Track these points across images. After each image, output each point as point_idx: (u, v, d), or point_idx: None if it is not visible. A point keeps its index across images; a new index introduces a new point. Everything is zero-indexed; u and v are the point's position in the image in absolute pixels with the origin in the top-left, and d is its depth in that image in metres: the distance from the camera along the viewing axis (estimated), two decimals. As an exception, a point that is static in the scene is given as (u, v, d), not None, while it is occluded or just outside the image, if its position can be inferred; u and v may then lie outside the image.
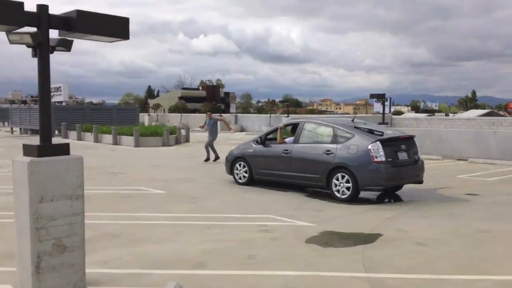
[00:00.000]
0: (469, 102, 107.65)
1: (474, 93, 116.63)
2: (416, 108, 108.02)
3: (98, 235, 6.51)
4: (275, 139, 10.94)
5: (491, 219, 7.65)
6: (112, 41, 5.16)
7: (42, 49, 4.33)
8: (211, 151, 15.96)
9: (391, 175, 8.85)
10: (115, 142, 23.19)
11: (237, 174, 11.01)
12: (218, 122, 17.32)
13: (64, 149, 4.42)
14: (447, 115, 54.51)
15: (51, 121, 4.49)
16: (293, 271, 5.09)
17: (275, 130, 10.95)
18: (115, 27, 4.83)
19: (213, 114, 18.19)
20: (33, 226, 4.00)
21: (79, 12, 4.52)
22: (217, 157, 15.69)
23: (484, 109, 77.48)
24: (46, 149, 4.24)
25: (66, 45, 4.72)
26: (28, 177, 4.00)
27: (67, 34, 4.67)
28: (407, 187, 9.96)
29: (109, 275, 4.95)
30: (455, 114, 55.83)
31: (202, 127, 18.22)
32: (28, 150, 4.26)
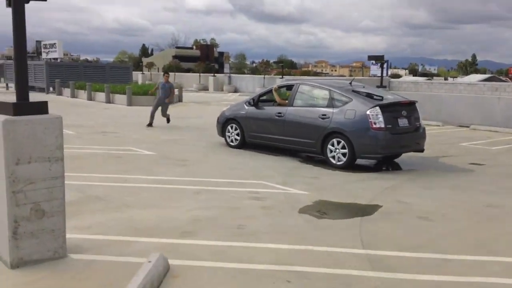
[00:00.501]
0: (469, 67, 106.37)
1: (474, 57, 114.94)
2: (414, 72, 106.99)
3: (84, 198, 6.20)
4: (268, 100, 10.43)
5: (499, 193, 7.22)
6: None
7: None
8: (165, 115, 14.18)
9: (390, 143, 8.40)
10: (108, 101, 22.72)
11: (229, 136, 10.54)
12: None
13: (42, 108, 4.08)
14: (446, 79, 53.69)
15: (27, 77, 4.15)
16: (285, 245, 4.71)
17: (269, 92, 10.42)
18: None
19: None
20: (9, 189, 3.79)
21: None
22: (150, 123, 13.84)
23: (485, 73, 76.63)
24: (23, 108, 3.94)
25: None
26: (3, 137, 3.74)
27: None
28: (407, 154, 9.53)
29: (92, 241, 4.64)
30: (454, 79, 55.03)
31: (152, 93, 15.76)
32: (3, 108, 3.95)
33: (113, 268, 4.03)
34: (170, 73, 47.15)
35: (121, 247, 4.52)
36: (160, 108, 14.17)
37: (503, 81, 40.89)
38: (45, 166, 3.97)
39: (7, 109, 3.89)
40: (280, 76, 34.28)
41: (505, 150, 11.55)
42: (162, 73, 16.11)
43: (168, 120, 14.27)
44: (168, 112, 14.31)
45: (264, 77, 34.39)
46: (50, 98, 25.60)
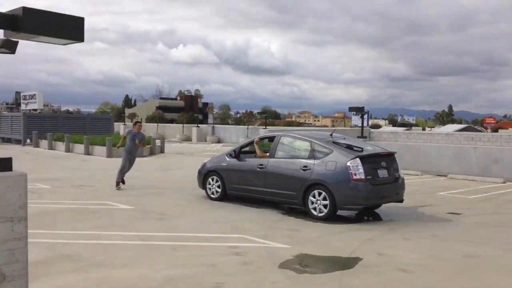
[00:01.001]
0: (446, 117, 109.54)
1: (450, 107, 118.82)
2: (393, 122, 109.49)
3: (54, 257, 5.92)
4: (250, 152, 10.45)
5: (477, 242, 7.24)
6: (66, 43, 4.60)
7: (-17, 51, 3.80)
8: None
9: (370, 194, 8.42)
10: (87, 152, 22.45)
11: (210, 189, 10.44)
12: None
13: (5, 165, 3.90)
14: (424, 129, 55.07)
15: None
16: (265, 302, 4.56)
17: (251, 143, 10.46)
18: (67, 28, 4.25)
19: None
20: None
21: (25, 10, 3.95)
22: (119, 183, 11.96)
23: (461, 123, 78.84)
24: None
25: (10, 47, 4.15)
26: (-40, 195, 3.54)
27: (13, 34, 4.12)
28: (387, 205, 9.54)
29: (60, 305, 4.36)
30: (432, 129, 56.42)
31: (120, 145, 12.89)
32: None
33: (82, 332, 3.82)
34: (153, 124, 46.94)
35: (91, 310, 4.30)
36: (129, 161, 12.11)
37: (479, 130, 42.06)
38: (7, 226, 3.76)
39: None
40: (264, 127, 34.67)
41: (482, 199, 11.69)
42: (133, 122, 13.62)
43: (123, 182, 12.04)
44: (155, 162, 13.97)
45: (247, 128, 34.74)
46: (27, 150, 25.29)
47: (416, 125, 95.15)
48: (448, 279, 5.45)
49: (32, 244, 4.43)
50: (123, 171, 12.07)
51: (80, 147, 23.19)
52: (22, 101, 37.75)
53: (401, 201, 9.21)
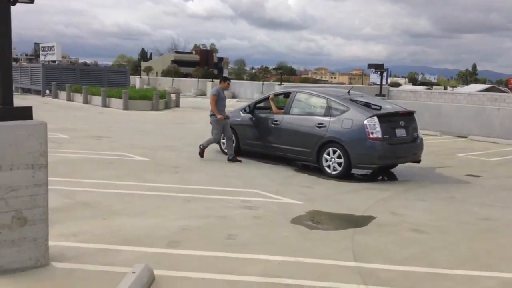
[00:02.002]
0: (469, 76, 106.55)
1: (474, 66, 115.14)
2: (413, 80, 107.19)
3: (72, 204, 6.07)
4: (265, 108, 10.32)
5: (495, 205, 7.11)
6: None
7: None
8: None
9: (387, 154, 8.29)
10: (104, 104, 22.59)
11: (223, 143, 10.42)
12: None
13: (26, 113, 3.98)
14: (445, 88, 53.82)
15: (11, 80, 4.06)
16: (276, 256, 4.60)
17: (265, 99, 10.31)
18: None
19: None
20: None
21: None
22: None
23: (485, 83, 76.81)
24: (6, 113, 3.86)
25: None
26: (-16, 143, 3.61)
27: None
28: (403, 165, 9.42)
29: (76, 249, 4.51)
30: (454, 88, 55.10)
31: (221, 117, 9.65)
32: None
33: (95, 278, 3.92)
34: (168, 78, 46.81)
35: (106, 256, 4.40)
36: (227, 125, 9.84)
37: (503, 91, 40.90)
38: (28, 173, 3.86)
39: None
40: (279, 83, 34.24)
41: (503, 161, 11.46)
42: (221, 78, 10.78)
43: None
44: (170, 116, 13.43)
45: (262, 84, 34.34)
46: (46, 100, 25.54)
47: (438, 84, 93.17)
48: (462, 241, 5.39)
49: (51, 191, 4.52)
50: (216, 140, 10.11)
51: (97, 99, 23.33)
52: (41, 52, 37.82)
53: (419, 161, 9.07)
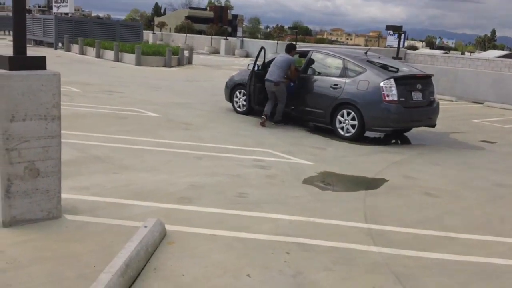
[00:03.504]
0: (488, 42, 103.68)
1: (493, 32, 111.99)
2: (431, 44, 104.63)
3: (85, 158, 6.08)
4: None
5: (509, 172, 7.04)
6: None
7: None
8: None
9: (402, 117, 8.15)
10: (117, 59, 22.40)
11: (236, 102, 10.32)
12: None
13: (40, 63, 3.92)
14: (463, 53, 52.50)
15: (25, 30, 3.94)
16: (286, 215, 4.60)
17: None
18: None
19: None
20: (2, 147, 3.66)
21: None
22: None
23: (503, 50, 74.79)
24: (20, 62, 3.75)
25: None
26: (-3, 91, 3.57)
27: None
28: (417, 129, 9.29)
29: (89, 203, 4.54)
30: (471, 54, 53.74)
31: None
32: None
33: (108, 231, 3.95)
34: (182, 34, 46.05)
35: (117, 210, 4.43)
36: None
37: (522, 58, 39.76)
38: (41, 124, 3.83)
39: (3, 63, 3.72)
40: (294, 43, 33.64)
41: (519, 129, 11.26)
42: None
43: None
44: (182, 73, 12.68)
45: (277, 43, 33.72)
46: (58, 53, 25.39)
47: (455, 49, 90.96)
48: (475, 206, 5.35)
49: (64, 144, 4.51)
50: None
51: (110, 54, 23.12)
52: (54, 4, 37.24)
53: (434, 125, 8.92)
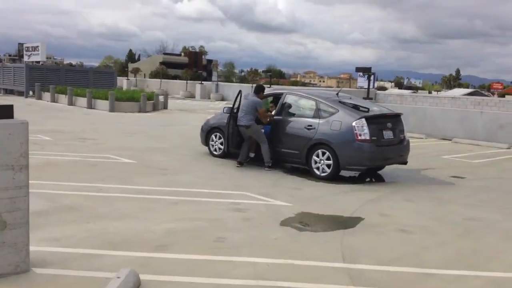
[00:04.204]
0: (453, 81, 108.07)
1: (458, 71, 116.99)
2: (399, 85, 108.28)
3: (55, 208, 5.92)
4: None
5: (480, 206, 7.22)
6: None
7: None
8: None
9: (375, 155, 8.32)
10: (90, 106, 22.28)
11: (212, 145, 10.36)
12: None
13: (7, 112, 3.84)
14: (430, 92, 54.47)
15: None
16: (265, 258, 4.56)
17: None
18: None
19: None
20: None
21: None
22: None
23: (468, 88, 77.93)
24: None
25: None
26: (-38, 141, 3.49)
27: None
28: (390, 167, 9.47)
29: (59, 254, 4.39)
30: (438, 92, 55.79)
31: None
32: None
33: (79, 283, 3.83)
34: (156, 79, 46.36)
35: (90, 261, 4.30)
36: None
37: (486, 95, 41.52)
38: (8, 174, 3.73)
39: None
40: (268, 86, 34.29)
41: (486, 163, 11.61)
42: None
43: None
44: (158, 118, 13.09)
45: (252, 86, 34.26)
46: (29, 102, 25.15)
47: (423, 88, 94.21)
48: (449, 241, 5.43)
49: (33, 194, 4.41)
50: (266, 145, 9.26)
51: (82, 101, 23.02)
52: (25, 52, 37.19)
53: (405, 163, 9.12)
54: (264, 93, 9.90)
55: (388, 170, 9.52)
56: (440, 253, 5.00)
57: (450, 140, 15.81)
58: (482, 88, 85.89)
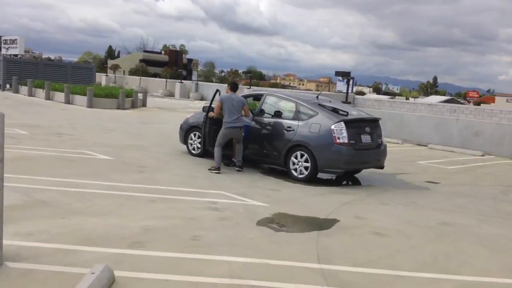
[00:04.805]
0: (430, 88, 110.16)
1: (435, 79, 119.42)
2: (377, 90, 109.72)
3: (30, 202, 5.82)
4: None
5: (453, 211, 7.38)
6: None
7: None
8: None
9: (352, 159, 8.42)
10: (68, 101, 21.91)
11: (191, 144, 10.32)
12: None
13: None
14: (407, 98, 55.39)
15: None
16: (241, 257, 4.57)
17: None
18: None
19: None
20: None
21: None
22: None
23: (444, 95, 79.54)
24: None
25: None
26: None
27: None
28: (366, 170, 9.60)
29: (33, 249, 4.32)
30: (415, 99, 56.75)
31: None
32: None
33: (52, 278, 3.77)
34: (136, 77, 45.89)
35: (64, 257, 4.23)
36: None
37: (462, 103, 42.41)
38: (-18, 167, 3.66)
39: None
40: (248, 87, 34.28)
41: (460, 170, 11.88)
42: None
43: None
44: (136, 115, 12.91)
45: (228, 85, 34.25)
46: (6, 95, 24.60)
47: (400, 94, 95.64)
48: (422, 245, 5.53)
49: (8, 189, 4.32)
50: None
51: (60, 96, 22.63)
52: (3, 45, 36.43)
53: (382, 167, 9.26)
54: (245, 94, 9.91)
55: (364, 173, 9.65)
56: (414, 256, 5.09)
57: (426, 146, 16.11)
58: (459, 96, 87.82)
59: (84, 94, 21.16)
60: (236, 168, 9.08)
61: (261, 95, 9.87)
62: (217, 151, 8.87)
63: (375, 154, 8.95)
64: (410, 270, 4.63)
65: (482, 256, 5.30)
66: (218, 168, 8.78)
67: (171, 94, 37.95)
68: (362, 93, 69.24)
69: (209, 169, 8.81)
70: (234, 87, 9.47)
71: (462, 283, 4.44)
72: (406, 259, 4.95)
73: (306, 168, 8.49)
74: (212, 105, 9.60)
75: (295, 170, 8.62)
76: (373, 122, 9.09)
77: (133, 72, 55.62)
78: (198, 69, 68.32)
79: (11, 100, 22.11)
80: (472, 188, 9.50)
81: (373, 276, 4.42)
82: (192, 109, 23.38)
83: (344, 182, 9.12)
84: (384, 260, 4.87)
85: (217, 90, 9.84)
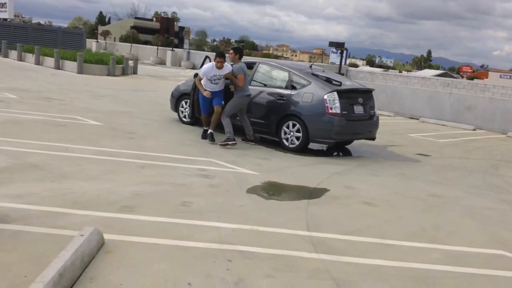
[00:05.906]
0: (424, 62, 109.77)
1: (429, 53, 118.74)
2: (371, 63, 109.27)
3: (19, 165, 5.76)
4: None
5: (443, 183, 7.42)
6: None
7: None
8: None
9: (344, 129, 8.39)
10: (57, 67, 21.58)
11: (182, 112, 10.22)
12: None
13: None
14: (400, 72, 55.24)
15: None
16: (230, 224, 4.58)
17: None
18: None
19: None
20: None
21: None
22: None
23: (438, 70, 79.41)
24: None
25: None
26: None
27: None
28: (357, 142, 9.62)
29: (22, 211, 4.30)
30: (408, 72, 56.60)
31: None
32: None
33: (41, 240, 3.75)
34: (127, 44, 45.21)
35: (53, 219, 4.22)
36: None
37: (455, 78, 42.37)
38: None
39: None
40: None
41: (451, 143, 11.94)
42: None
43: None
44: (126, 82, 12.56)
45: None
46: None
47: (394, 68, 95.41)
48: (410, 215, 5.59)
49: (-4, 150, 4.26)
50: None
51: (50, 61, 22.25)
52: (-8, 9, 35.49)
53: (373, 139, 9.26)
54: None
55: (355, 144, 9.66)
56: (402, 226, 5.14)
57: (418, 119, 16.15)
58: (452, 71, 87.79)
59: (74, 60, 20.84)
60: (250, 142, 8.81)
61: (254, 63, 9.73)
62: (227, 121, 8.41)
63: (367, 126, 8.93)
64: (398, 239, 4.68)
65: (470, 228, 5.37)
66: (233, 139, 8.30)
67: (162, 62, 37.48)
68: (355, 66, 68.92)
69: (222, 144, 8.23)
70: (242, 54, 9.00)
71: (450, 253, 4.50)
72: (394, 229, 5.00)
73: (297, 138, 8.46)
74: (198, 72, 9.08)
75: (287, 139, 8.60)
76: (367, 93, 9.03)
77: (124, 39, 54.71)
78: (190, 38, 67.19)
79: (0, 64, 21.69)
80: (462, 162, 9.57)
81: (361, 243, 4.47)
82: (183, 77, 23.12)
83: (335, 153, 9.13)
84: (372, 229, 4.92)
85: (206, 57, 9.63)
